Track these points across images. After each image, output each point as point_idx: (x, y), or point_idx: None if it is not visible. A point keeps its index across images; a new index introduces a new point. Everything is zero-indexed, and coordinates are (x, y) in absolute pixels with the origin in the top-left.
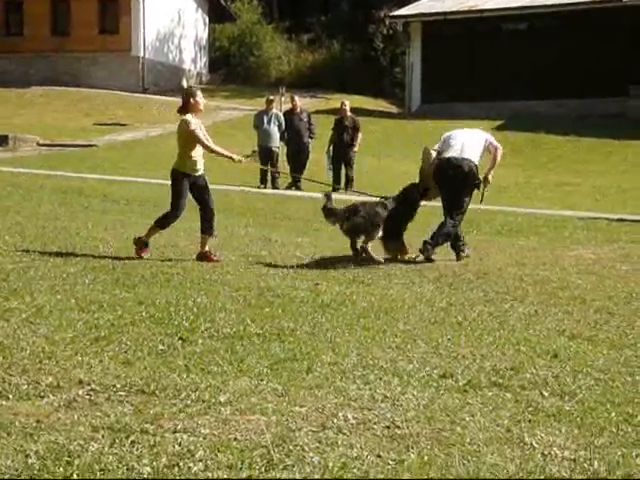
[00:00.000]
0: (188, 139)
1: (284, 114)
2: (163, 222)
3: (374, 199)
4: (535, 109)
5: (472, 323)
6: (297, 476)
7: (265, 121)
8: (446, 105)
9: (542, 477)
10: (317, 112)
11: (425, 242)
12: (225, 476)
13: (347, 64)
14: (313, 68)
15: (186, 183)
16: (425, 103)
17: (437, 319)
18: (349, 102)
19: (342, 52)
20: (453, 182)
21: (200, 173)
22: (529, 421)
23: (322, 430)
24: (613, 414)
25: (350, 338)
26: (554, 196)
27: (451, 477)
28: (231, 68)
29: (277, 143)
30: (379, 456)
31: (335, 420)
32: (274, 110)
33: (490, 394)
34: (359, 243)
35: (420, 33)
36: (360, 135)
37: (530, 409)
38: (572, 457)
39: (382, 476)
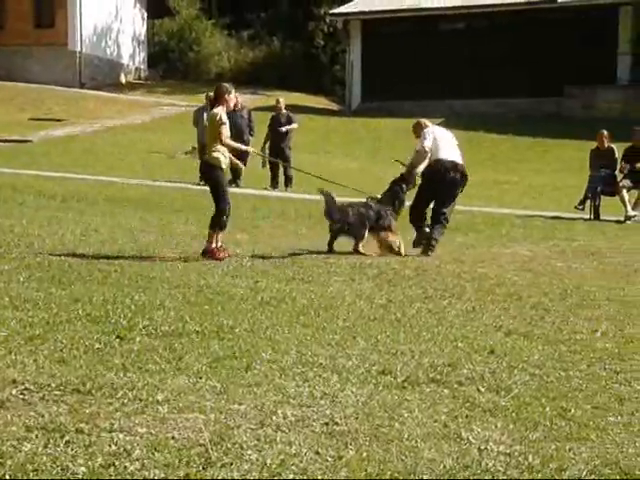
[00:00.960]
0: (217, 131)
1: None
2: (218, 222)
3: (358, 200)
4: (474, 108)
5: (411, 320)
6: (235, 474)
7: (205, 117)
8: (386, 103)
9: (478, 471)
10: (257, 109)
11: (431, 239)
12: (162, 475)
13: (287, 61)
14: (253, 64)
15: (222, 174)
16: (365, 101)
17: (376, 316)
18: (284, 99)
19: (282, 49)
20: (452, 183)
21: (226, 164)
22: (466, 416)
23: (261, 427)
24: (547, 409)
25: (289, 335)
26: (492, 194)
27: (389, 473)
28: (170, 64)
29: None
30: (317, 453)
31: (274, 417)
32: None
33: (428, 390)
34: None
35: (360, 31)
36: (295, 125)
37: (467, 405)
38: (507, 451)
39: (320, 473)
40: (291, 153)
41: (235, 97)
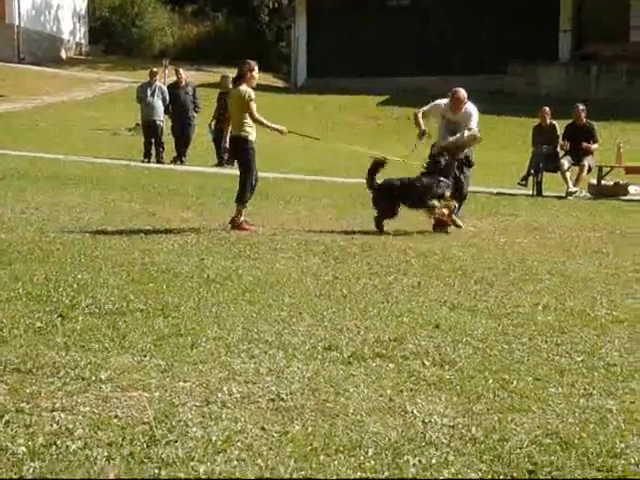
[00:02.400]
0: (245, 107)
1: (169, 87)
2: (243, 196)
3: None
4: (420, 85)
5: (357, 296)
6: (180, 451)
7: (148, 94)
8: (332, 80)
9: (422, 444)
10: (202, 85)
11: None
12: (105, 454)
13: (232, 37)
14: (198, 41)
15: (252, 146)
16: (311, 77)
17: (322, 292)
18: (231, 75)
19: (227, 25)
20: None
21: (255, 139)
22: (411, 390)
23: (206, 405)
24: (490, 381)
25: (235, 312)
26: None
27: (334, 447)
28: (112, 39)
29: (161, 116)
30: (263, 428)
31: (219, 394)
32: (158, 83)
33: (374, 365)
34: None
35: (305, 7)
36: None
37: (412, 378)
38: (451, 424)
39: (266, 448)
40: None
41: (180, 73)
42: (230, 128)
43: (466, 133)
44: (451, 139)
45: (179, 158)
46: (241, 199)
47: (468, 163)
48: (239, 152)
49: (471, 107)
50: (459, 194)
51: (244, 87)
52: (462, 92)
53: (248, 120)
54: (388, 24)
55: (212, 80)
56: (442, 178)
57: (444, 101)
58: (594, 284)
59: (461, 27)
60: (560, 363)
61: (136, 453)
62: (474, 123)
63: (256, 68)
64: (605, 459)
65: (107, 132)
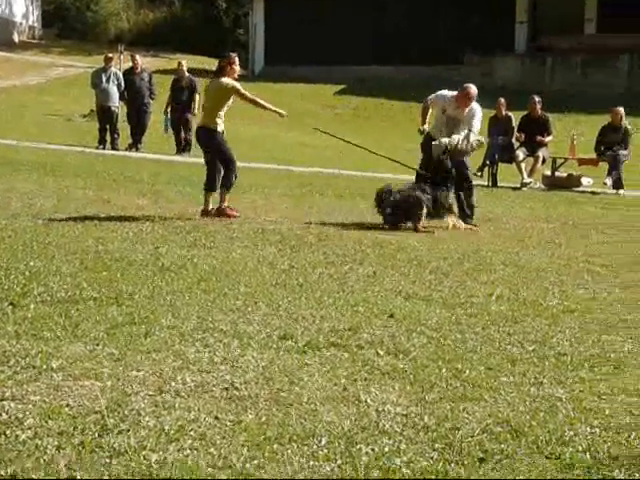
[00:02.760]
0: (224, 100)
1: (124, 73)
2: (228, 182)
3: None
4: (377, 74)
5: (313, 285)
6: (132, 440)
7: (104, 80)
8: (290, 68)
9: (376, 432)
10: (158, 72)
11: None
12: (56, 443)
13: (188, 23)
14: (154, 26)
15: (222, 136)
16: (268, 65)
17: (278, 281)
18: (186, 62)
19: (183, 11)
20: None
21: (223, 129)
22: (365, 379)
23: (159, 394)
24: (444, 370)
25: (190, 301)
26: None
27: (288, 436)
28: (67, 23)
29: (116, 102)
30: (217, 418)
31: (173, 383)
32: (113, 68)
33: (328, 354)
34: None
35: None
36: (198, 97)
37: (366, 368)
38: (404, 412)
39: (219, 437)
40: (193, 119)
41: (136, 59)
42: (201, 119)
43: (472, 138)
44: (454, 140)
45: (135, 145)
46: (226, 184)
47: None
48: (209, 140)
49: (477, 107)
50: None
51: (225, 79)
52: (473, 89)
53: (221, 113)
54: (346, 13)
55: (168, 66)
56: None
57: (449, 94)
58: (547, 274)
59: (418, 17)
60: (512, 352)
61: (87, 442)
62: (477, 125)
63: (236, 60)
64: (554, 447)
65: (61, 118)
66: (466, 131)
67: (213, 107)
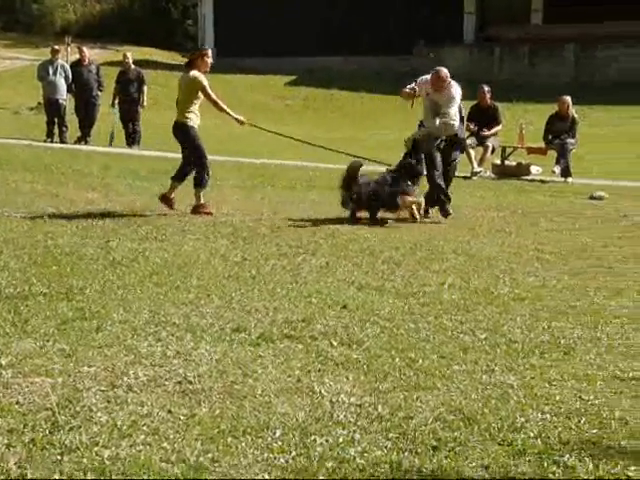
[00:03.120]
0: (193, 94)
1: (72, 65)
2: (201, 179)
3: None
4: (327, 65)
5: (265, 277)
6: (84, 437)
7: (50, 72)
8: (240, 59)
9: (330, 423)
10: (106, 64)
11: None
12: (6, 441)
13: (136, 14)
14: (101, 18)
15: (196, 131)
16: (218, 57)
17: (231, 274)
18: (131, 54)
19: (131, 2)
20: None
21: (199, 124)
22: (319, 370)
23: (111, 389)
24: (397, 360)
25: (142, 295)
26: (348, 151)
27: (242, 429)
28: (11, 15)
29: (64, 95)
30: (170, 412)
31: (125, 378)
32: (60, 61)
33: (282, 346)
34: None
35: None
36: (146, 89)
37: (320, 359)
38: (358, 402)
39: (172, 432)
40: (141, 111)
41: (83, 51)
42: (177, 114)
43: (437, 122)
44: (424, 130)
45: (83, 138)
46: (199, 183)
47: (459, 145)
48: (182, 136)
49: (455, 89)
50: (445, 177)
51: (194, 72)
52: (443, 71)
53: (193, 107)
54: (295, 3)
55: (116, 58)
56: (409, 182)
57: (427, 77)
58: (497, 263)
59: (367, 8)
60: (464, 341)
61: (38, 440)
62: (454, 108)
63: (209, 53)
64: (506, 433)
65: (8, 111)
66: (437, 120)
67: (184, 101)
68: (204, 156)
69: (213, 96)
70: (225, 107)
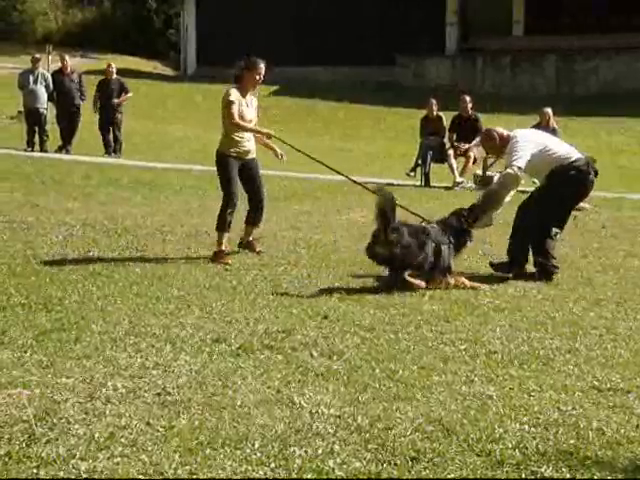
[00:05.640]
0: (225, 114)
1: (53, 74)
2: (222, 222)
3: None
4: (309, 75)
5: (246, 287)
6: (61, 449)
7: (31, 81)
8: (222, 69)
9: (309, 434)
10: (88, 72)
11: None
12: None
13: (118, 23)
14: (83, 26)
15: (233, 166)
16: (201, 66)
17: (212, 284)
18: (115, 64)
19: (113, 11)
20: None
21: (250, 156)
22: (299, 381)
23: (89, 401)
24: (377, 370)
25: (122, 306)
26: (327, 161)
27: (221, 440)
28: None
29: (44, 104)
30: (149, 424)
31: (104, 390)
32: (40, 69)
33: (262, 357)
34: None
35: None
36: (130, 95)
37: (300, 370)
38: (338, 414)
39: (151, 443)
40: (123, 118)
41: (65, 60)
42: None
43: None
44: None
45: (64, 147)
46: (217, 224)
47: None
48: (216, 165)
49: (512, 142)
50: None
51: (230, 88)
52: (485, 132)
53: (231, 131)
54: (278, 14)
55: (98, 67)
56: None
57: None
58: (479, 270)
59: (350, 18)
60: (444, 351)
61: (14, 452)
62: (511, 159)
63: (259, 67)
64: (485, 444)
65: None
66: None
67: (223, 125)
68: (233, 195)
69: (234, 118)
70: (247, 126)
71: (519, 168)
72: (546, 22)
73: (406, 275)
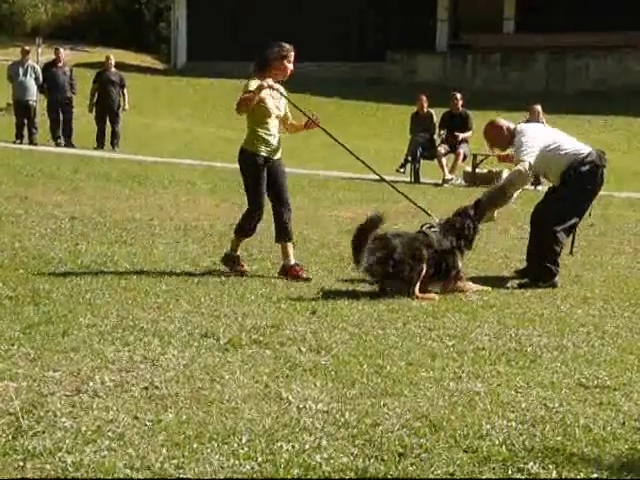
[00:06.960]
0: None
1: (46, 66)
2: (244, 227)
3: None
4: (300, 71)
5: (235, 282)
6: (47, 442)
7: (20, 73)
8: (212, 63)
9: (297, 429)
10: (78, 65)
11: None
12: None
13: (109, 16)
14: (73, 19)
15: (256, 162)
16: (191, 60)
17: (200, 279)
18: (114, 57)
19: (103, 3)
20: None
21: (276, 157)
22: (287, 376)
23: (77, 394)
24: (365, 366)
25: (110, 299)
26: (319, 156)
27: (208, 434)
28: None
29: (34, 96)
30: (136, 417)
31: (91, 383)
32: (30, 62)
33: (250, 352)
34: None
35: None
36: (127, 92)
37: (288, 365)
38: (325, 409)
39: (138, 437)
40: (120, 112)
41: (59, 53)
42: None
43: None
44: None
45: (54, 140)
46: (237, 228)
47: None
48: (239, 164)
49: (517, 138)
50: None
51: (249, 80)
52: (487, 124)
53: (258, 127)
54: (268, 8)
55: (89, 60)
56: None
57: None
58: (467, 270)
59: (341, 14)
60: (432, 347)
61: (0, 445)
62: (519, 154)
63: (289, 54)
64: (472, 440)
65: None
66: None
67: (247, 119)
68: (258, 206)
69: (238, 103)
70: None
71: (529, 164)
72: (537, 19)
73: (416, 290)
